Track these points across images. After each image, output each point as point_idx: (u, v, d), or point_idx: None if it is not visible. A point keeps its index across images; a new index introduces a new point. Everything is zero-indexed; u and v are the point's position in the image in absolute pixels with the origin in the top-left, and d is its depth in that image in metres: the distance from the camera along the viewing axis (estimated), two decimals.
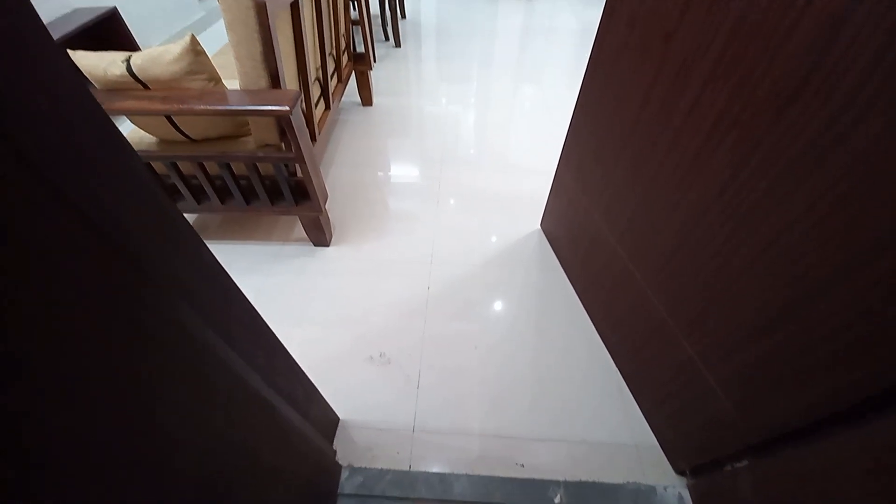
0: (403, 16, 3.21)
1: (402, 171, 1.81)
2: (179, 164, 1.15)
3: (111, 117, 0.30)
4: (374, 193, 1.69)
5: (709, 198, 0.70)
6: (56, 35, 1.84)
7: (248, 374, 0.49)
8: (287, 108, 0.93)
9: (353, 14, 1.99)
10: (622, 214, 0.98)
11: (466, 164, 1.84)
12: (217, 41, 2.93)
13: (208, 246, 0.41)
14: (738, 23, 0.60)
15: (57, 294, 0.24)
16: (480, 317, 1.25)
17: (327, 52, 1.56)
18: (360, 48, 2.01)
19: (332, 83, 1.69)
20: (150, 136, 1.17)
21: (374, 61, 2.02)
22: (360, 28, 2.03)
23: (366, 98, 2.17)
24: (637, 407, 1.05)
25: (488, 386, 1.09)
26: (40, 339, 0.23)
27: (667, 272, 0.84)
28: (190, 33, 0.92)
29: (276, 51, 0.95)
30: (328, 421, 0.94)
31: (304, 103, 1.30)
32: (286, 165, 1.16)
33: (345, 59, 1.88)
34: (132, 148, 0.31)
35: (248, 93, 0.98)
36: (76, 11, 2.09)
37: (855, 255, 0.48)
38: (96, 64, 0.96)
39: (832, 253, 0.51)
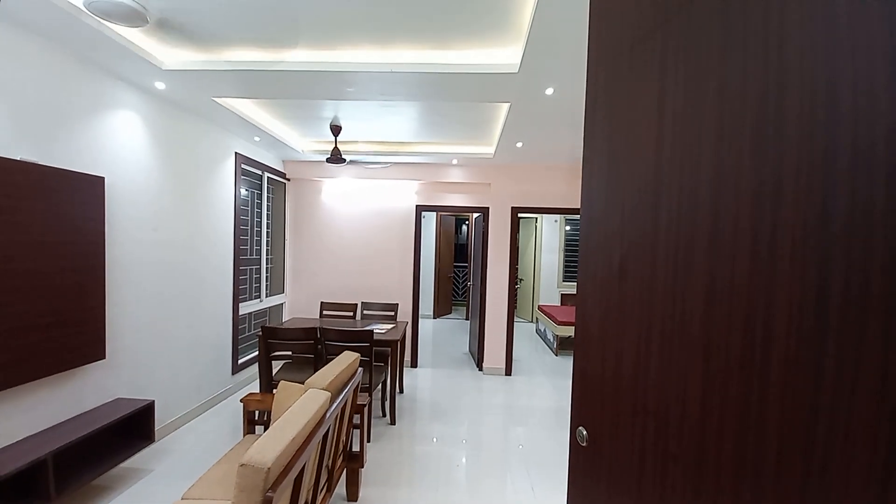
0: (401, 391, 3.72)
1: None
2: None
3: None
4: None
5: None
6: (98, 424, 2.10)
7: None
8: None
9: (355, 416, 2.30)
10: None
11: None
12: (238, 408, 3.23)
13: None
14: None
15: None
16: None
17: (324, 465, 1.71)
18: (356, 446, 2.20)
19: (321, 496, 1.74)
20: None
21: (368, 442, 2.16)
22: (359, 430, 2.30)
23: (352, 493, 2.17)
24: None
25: None
26: None
27: None
28: None
29: None
30: None
31: None
32: None
33: (339, 459, 2.03)
34: None
35: None
36: (118, 401, 2.45)
37: None
38: None
39: None
